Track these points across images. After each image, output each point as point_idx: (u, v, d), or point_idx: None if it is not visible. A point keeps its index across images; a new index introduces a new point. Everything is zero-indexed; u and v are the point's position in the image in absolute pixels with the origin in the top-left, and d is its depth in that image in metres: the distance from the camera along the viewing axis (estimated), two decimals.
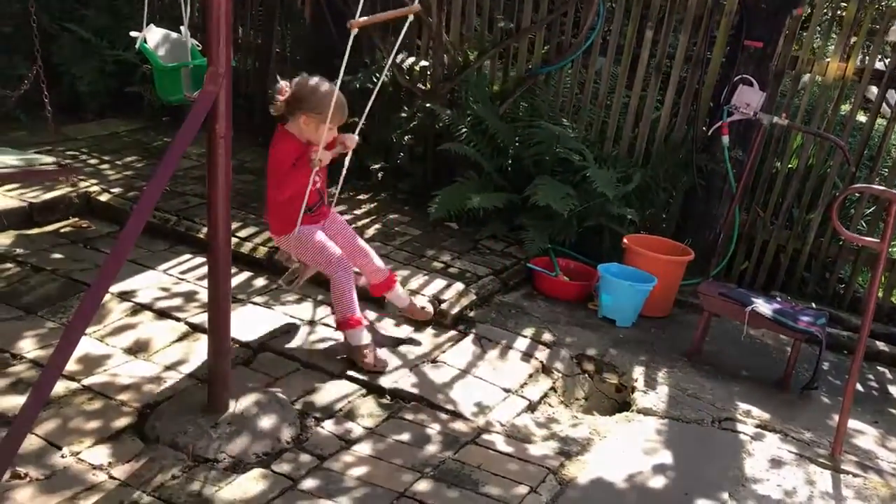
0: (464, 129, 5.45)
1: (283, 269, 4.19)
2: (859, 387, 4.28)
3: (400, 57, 6.04)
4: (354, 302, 3.74)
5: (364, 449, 3.20)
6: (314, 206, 3.78)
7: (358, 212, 5.44)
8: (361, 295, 3.89)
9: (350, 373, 3.70)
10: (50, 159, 4.10)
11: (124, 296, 4.10)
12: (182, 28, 4.51)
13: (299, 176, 3.58)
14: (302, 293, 4.36)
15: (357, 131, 3.70)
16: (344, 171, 3.70)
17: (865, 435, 3.86)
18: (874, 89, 5.27)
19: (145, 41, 4.41)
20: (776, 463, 3.49)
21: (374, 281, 4.01)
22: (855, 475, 3.50)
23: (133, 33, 4.42)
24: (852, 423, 3.77)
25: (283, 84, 3.62)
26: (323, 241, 3.77)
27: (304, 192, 3.56)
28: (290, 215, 3.65)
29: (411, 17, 3.47)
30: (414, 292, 4.37)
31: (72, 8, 6.73)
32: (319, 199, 3.82)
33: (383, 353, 3.83)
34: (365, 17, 3.20)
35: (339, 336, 4.01)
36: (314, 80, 3.61)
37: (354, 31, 3.15)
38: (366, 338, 3.77)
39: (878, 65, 5.31)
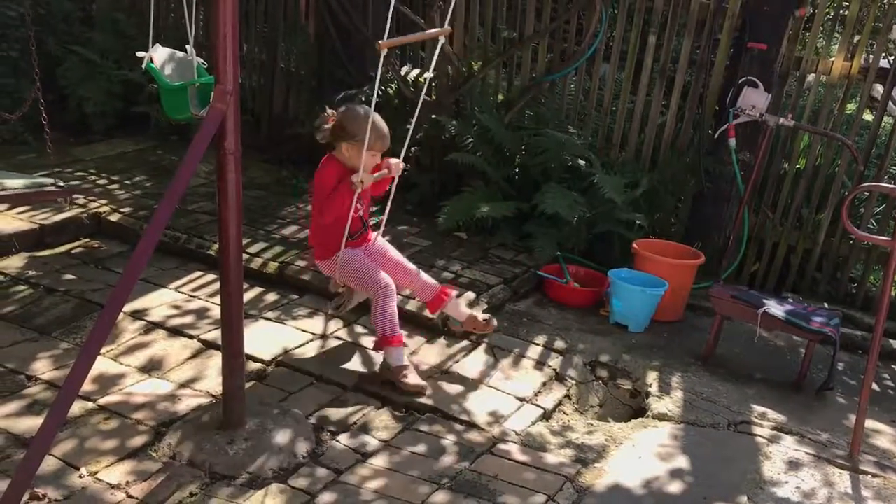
0: (470, 139, 5.46)
1: (323, 293, 4.25)
2: (875, 386, 4.26)
3: (405, 69, 6.07)
4: (395, 322, 3.72)
5: (380, 462, 3.19)
6: (356, 233, 3.84)
7: None
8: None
9: (364, 385, 3.70)
10: (51, 181, 4.13)
11: (137, 314, 4.12)
12: (188, 47, 4.54)
13: (342, 200, 3.63)
14: (313, 307, 4.38)
15: (402, 156, 3.74)
16: (390, 198, 3.79)
17: (883, 434, 3.84)
18: (879, 87, 5.26)
19: (151, 61, 4.43)
20: (794, 465, 3.48)
21: (426, 298, 3.99)
22: (874, 475, 3.47)
23: (139, 53, 4.44)
24: (869, 423, 3.75)
25: (328, 113, 3.74)
26: (364, 263, 3.80)
27: (347, 216, 3.63)
28: (333, 240, 3.73)
29: (442, 40, 3.53)
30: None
31: (78, 31, 6.79)
32: (362, 225, 3.87)
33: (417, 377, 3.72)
34: (394, 39, 3.29)
35: (350, 349, 4.02)
36: (355, 108, 3.75)
37: (384, 53, 3.23)
38: (405, 358, 3.74)
39: (883, 62, 5.31)
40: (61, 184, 4.01)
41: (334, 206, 3.65)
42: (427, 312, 4.10)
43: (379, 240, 3.99)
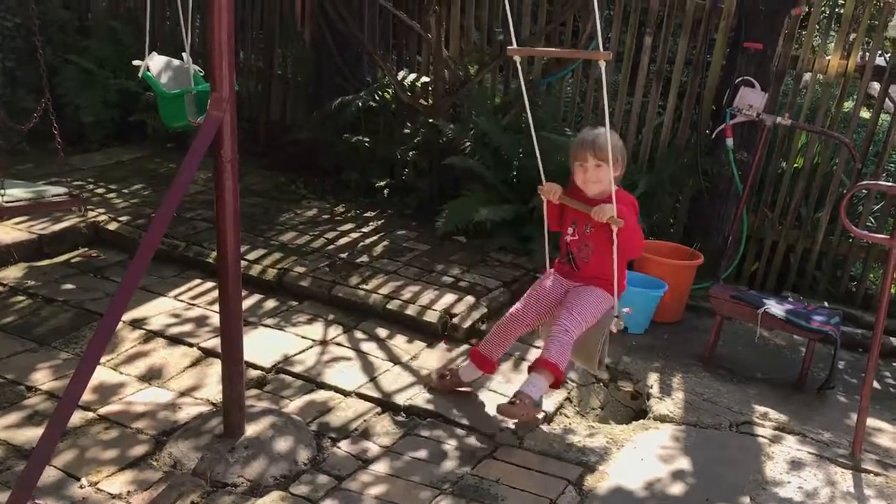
0: (467, 143, 5.46)
1: (322, 299, 4.17)
2: (876, 384, 4.25)
3: (401, 74, 6.07)
4: (495, 346, 3.67)
5: (381, 468, 3.19)
6: (562, 259, 3.68)
7: (365, 229, 5.45)
8: None
9: (364, 391, 3.70)
10: (58, 189, 4.13)
11: (136, 323, 4.11)
12: (184, 55, 4.54)
13: (551, 206, 3.62)
14: (313, 314, 4.39)
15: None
16: (614, 261, 3.39)
17: (884, 433, 3.83)
18: (876, 85, 5.27)
19: (148, 69, 4.44)
20: (796, 465, 3.47)
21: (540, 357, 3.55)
22: (876, 474, 3.47)
23: (136, 62, 4.45)
24: (871, 422, 3.74)
25: None
26: (535, 289, 3.68)
27: (551, 225, 3.64)
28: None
29: (603, 64, 3.10)
30: (425, 308, 4.37)
31: (74, 40, 6.79)
32: (567, 256, 3.65)
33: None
34: (527, 48, 3.23)
35: (350, 354, 4.02)
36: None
37: (517, 59, 3.25)
38: (469, 374, 3.71)
39: (879, 60, 5.32)
40: (75, 192, 3.99)
41: (548, 210, 3.63)
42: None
43: (591, 290, 3.56)
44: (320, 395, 3.67)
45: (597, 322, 3.56)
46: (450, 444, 3.38)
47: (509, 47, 3.22)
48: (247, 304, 4.35)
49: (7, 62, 6.22)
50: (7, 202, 3.88)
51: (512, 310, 3.70)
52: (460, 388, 3.74)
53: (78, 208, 4.66)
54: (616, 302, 3.52)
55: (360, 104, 5.88)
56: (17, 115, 5.58)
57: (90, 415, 3.34)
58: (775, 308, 4.17)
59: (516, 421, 3.49)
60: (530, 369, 3.53)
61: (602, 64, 3.12)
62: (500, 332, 3.68)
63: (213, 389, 3.59)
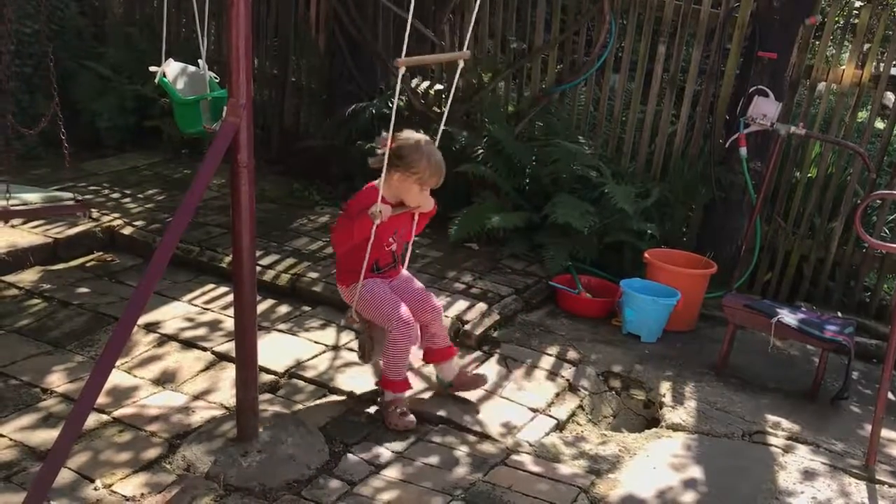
0: (480, 151, 5.46)
1: (336, 304, 4.16)
2: (890, 395, 4.22)
3: (414, 81, 6.09)
4: (405, 365, 3.52)
5: (393, 473, 3.19)
6: (386, 266, 3.59)
7: None
8: None
9: (376, 397, 3.70)
10: (68, 195, 4.16)
11: (150, 327, 4.14)
12: (200, 61, 4.57)
13: (359, 228, 3.33)
14: (325, 319, 4.39)
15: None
16: (412, 235, 3.66)
17: None
18: (891, 95, 5.26)
19: (164, 75, 4.46)
20: (809, 475, 3.45)
21: (435, 345, 3.68)
22: (890, 485, 3.45)
23: (152, 68, 4.48)
24: (885, 433, 3.72)
25: (385, 136, 3.37)
26: (384, 294, 3.50)
27: (366, 246, 3.34)
28: (354, 266, 3.43)
29: (461, 63, 3.43)
30: None
31: (90, 46, 6.85)
32: (393, 260, 3.62)
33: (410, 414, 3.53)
34: (414, 58, 3.19)
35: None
36: (417, 136, 3.49)
37: (402, 70, 3.10)
38: (402, 400, 3.55)
39: (894, 70, 5.30)
40: (80, 197, 4.02)
41: (350, 232, 3.38)
42: (420, 357, 3.76)
43: (404, 272, 3.70)
44: (332, 400, 3.68)
45: None
46: (461, 451, 3.38)
47: (397, 59, 3.09)
48: (260, 309, 4.37)
49: (25, 68, 6.27)
50: (13, 206, 3.91)
51: (401, 326, 3.45)
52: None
53: (84, 214, 4.69)
54: None
55: (373, 111, 5.90)
56: (34, 120, 5.62)
57: (104, 417, 3.36)
58: (789, 317, 4.16)
59: (477, 386, 3.75)
60: (441, 357, 3.70)
61: (461, 63, 3.32)
62: (407, 352, 3.51)
63: (226, 393, 3.60)
